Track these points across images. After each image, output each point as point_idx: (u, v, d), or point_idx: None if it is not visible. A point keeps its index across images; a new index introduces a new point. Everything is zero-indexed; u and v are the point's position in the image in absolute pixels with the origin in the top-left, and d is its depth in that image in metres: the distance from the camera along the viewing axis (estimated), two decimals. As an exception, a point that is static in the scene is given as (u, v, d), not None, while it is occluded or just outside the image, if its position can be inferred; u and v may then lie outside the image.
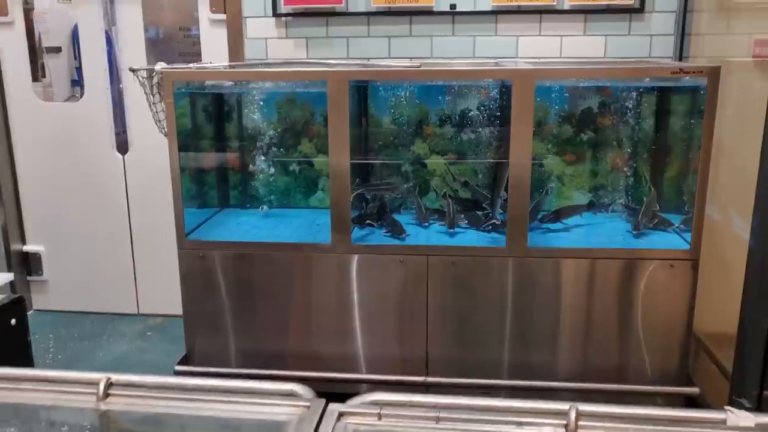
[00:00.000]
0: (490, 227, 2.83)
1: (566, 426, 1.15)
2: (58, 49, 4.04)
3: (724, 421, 1.15)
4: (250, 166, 3.24)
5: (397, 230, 2.78)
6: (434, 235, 2.84)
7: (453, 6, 3.19)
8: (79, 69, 3.78)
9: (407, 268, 2.64)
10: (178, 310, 2.82)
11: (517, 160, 2.50)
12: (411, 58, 3.27)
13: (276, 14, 3.31)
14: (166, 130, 2.68)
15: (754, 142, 2.08)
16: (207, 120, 3.17)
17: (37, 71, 3.93)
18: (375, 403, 1.24)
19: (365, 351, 2.74)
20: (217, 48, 3.43)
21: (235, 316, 2.77)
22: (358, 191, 2.95)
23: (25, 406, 1.30)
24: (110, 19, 3.66)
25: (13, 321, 2.03)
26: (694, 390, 2.58)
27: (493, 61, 3.20)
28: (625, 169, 3.05)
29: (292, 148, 3.21)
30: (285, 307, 2.75)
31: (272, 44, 3.36)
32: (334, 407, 1.23)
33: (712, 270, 2.62)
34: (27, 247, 3.92)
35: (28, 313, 3.94)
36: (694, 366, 2.75)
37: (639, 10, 3.10)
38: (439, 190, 3.12)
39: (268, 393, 1.30)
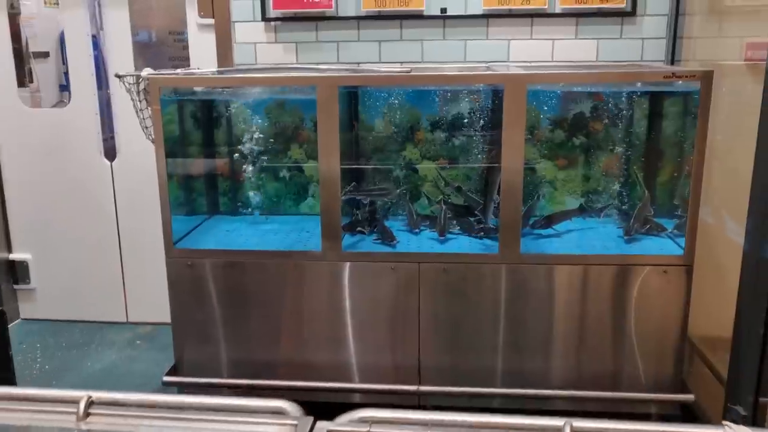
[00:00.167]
0: (482, 234, 2.80)
1: (560, 443, 1.12)
2: (45, 54, 3.99)
3: (721, 436, 1.12)
4: (240, 172, 3.20)
5: (387, 237, 2.75)
6: (426, 241, 2.81)
7: (444, 10, 3.17)
8: (67, 74, 3.74)
9: (398, 276, 2.61)
10: (168, 317, 2.77)
11: (509, 165, 2.47)
12: (402, 62, 3.24)
13: (265, 19, 3.28)
14: (153, 136, 2.64)
15: (747, 145, 2.06)
16: (195, 126, 3.13)
17: (24, 76, 3.88)
18: (364, 421, 1.21)
19: (357, 360, 2.70)
20: (205, 53, 3.40)
21: (224, 325, 2.73)
22: (351, 196, 2.92)
23: (0, 426, 1.26)
24: (98, 24, 3.62)
25: (-7, 335, 1.98)
26: (689, 397, 2.55)
27: (484, 65, 3.18)
28: (617, 173, 3.03)
29: (282, 154, 3.17)
30: (275, 315, 2.71)
31: (261, 49, 3.33)
32: (322, 425, 1.20)
33: (705, 273, 2.60)
34: (14, 255, 3.86)
35: (15, 322, 3.91)
36: (689, 370, 2.73)
37: (630, 13, 3.09)
38: (431, 196, 3.09)
39: (255, 410, 1.26)
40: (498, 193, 2.55)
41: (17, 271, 3.87)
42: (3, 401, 1.28)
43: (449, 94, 3.04)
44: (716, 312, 2.53)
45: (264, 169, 3.17)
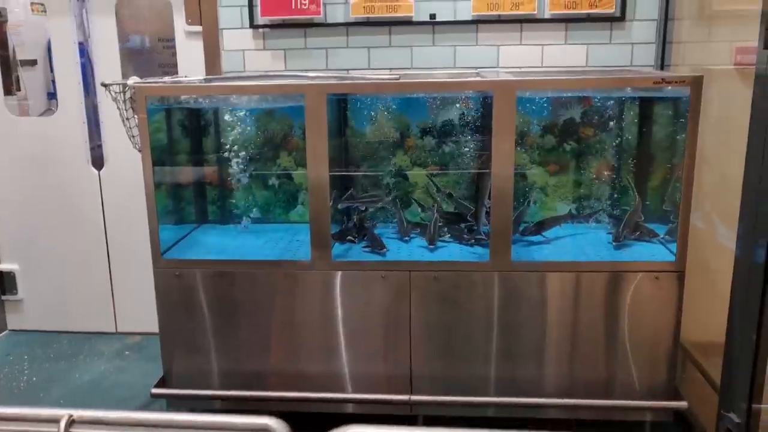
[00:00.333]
0: (473, 241, 2.78)
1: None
2: (33, 62, 3.96)
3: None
4: (228, 180, 3.17)
5: (377, 245, 2.73)
6: (416, 249, 2.78)
7: (433, 16, 3.15)
8: (55, 82, 3.70)
9: (389, 284, 2.58)
10: (157, 327, 2.74)
11: (499, 171, 2.45)
12: (391, 68, 3.22)
13: (253, 26, 3.26)
14: (140, 145, 2.61)
15: (737, 149, 2.05)
16: (183, 134, 3.10)
17: (12, 84, 3.85)
18: (351, 437, 1.18)
19: (348, 369, 2.68)
20: (194, 60, 3.37)
21: (214, 335, 2.70)
22: (342, 204, 2.89)
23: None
24: (86, 31, 3.58)
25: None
26: (683, 404, 2.54)
27: (474, 71, 3.17)
28: (608, 179, 3.02)
29: (271, 162, 3.15)
30: (264, 325, 2.68)
31: (250, 56, 3.30)
32: (308, 443, 1.17)
33: (697, 278, 2.59)
34: (1, 266, 3.82)
35: (3, 333, 3.86)
36: (682, 376, 2.72)
37: (620, 18, 3.08)
38: (424, 203, 3.06)
39: (241, 428, 1.24)
40: (489, 198, 2.53)
41: (4, 282, 3.83)
42: (-20, 422, 1.25)
43: (439, 101, 3.02)
44: (709, 317, 2.52)
45: (253, 177, 3.15)
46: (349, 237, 2.83)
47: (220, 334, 2.70)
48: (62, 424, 1.22)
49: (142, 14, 3.88)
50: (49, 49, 3.78)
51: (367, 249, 2.76)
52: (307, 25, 3.23)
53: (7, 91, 3.74)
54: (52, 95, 3.95)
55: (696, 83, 2.33)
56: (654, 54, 3.08)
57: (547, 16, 3.11)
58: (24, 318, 3.88)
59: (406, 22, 3.17)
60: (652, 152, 2.93)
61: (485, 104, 2.91)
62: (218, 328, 2.69)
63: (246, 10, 3.24)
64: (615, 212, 3.00)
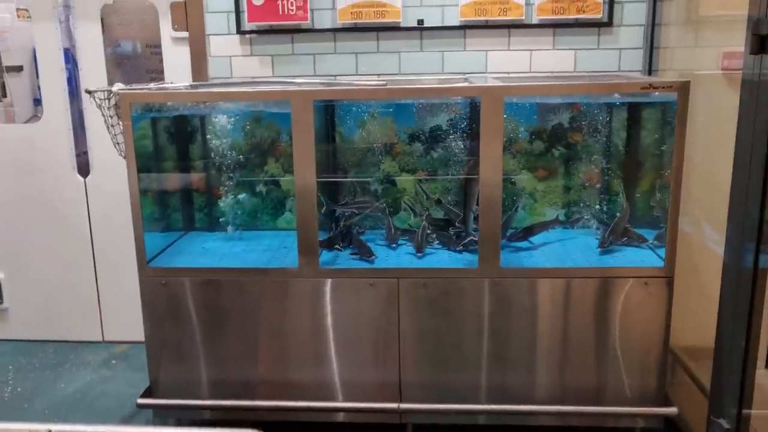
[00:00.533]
0: (462, 248, 2.77)
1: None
2: (19, 68, 3.92)
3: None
4: (215, 187, 3.14)
5: (365, 253, 2.71)
6: (404, 256, 2.76)
7: (420, 21, 3.15)
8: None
9: (377, 292, 2.56)
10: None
11: (487, 178, 2.44)
12: (379, 74, 3.21)
13: (240, 31, 3.24)
14: (125, 153, 2.58)
15: (725, 154, 2.05)
16: (169, 141, 3.07)
17: (-2, 91, 3.82)
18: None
19: (338, 377, 2.65)
20: (180, 67, 3.34)
21: (201, 344, 2.67)
22: (332, 210, 2.87)
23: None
24: (71, 37, 3.55)
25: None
26: (673, 410, 2.53)
27: (462, 76, 3.16)
28: (597, 184, 3.01)
29: (259, 169, 3.12)
30: (252, 334, 2.65)
31: (237, 62, 3.28)
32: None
33: (686, 283, 2.59)
34: (-15, 275, 3.78)
35: (-13, 343, 3.80)
36: (671, 381, 2.71)
37: (607, 24, 3.08)
38: (415, 208, 3.04)
39: (222, 442, 1.21)
40: (477, 204, 2.52)
41: (-11, 291, 3.78)
42: (-45, 438, 1.22)
43: (427, 107, 3.01)
44: (698, 322, 2.51)
45: (240, 184, 3.12)
46: (336, 245, 2.80)
47: (207, 343, 2.67)
48: (40, 439, 1.20)
49: (129, 20, 3.84)
50: (35, 56, 3.74)
51: (355, 256, 2.74)
52: (294, 31, 3.21)
53: (-7, 98, 3.71)
54: (38, 101, 3.91)
55: (683, 88, 2.33)
56: (642, 59, 3.09)
57: (534, 21, 3.11)
58: (9, 327, 3.82)
59: (394, 28, 3.16)
60: (640, 157, 2.93)
61: (473, 110, 2.90)
62: (205, 337, 2.66)
63: (233, 16, 3.22)
64: (603, 217, 2.99)
